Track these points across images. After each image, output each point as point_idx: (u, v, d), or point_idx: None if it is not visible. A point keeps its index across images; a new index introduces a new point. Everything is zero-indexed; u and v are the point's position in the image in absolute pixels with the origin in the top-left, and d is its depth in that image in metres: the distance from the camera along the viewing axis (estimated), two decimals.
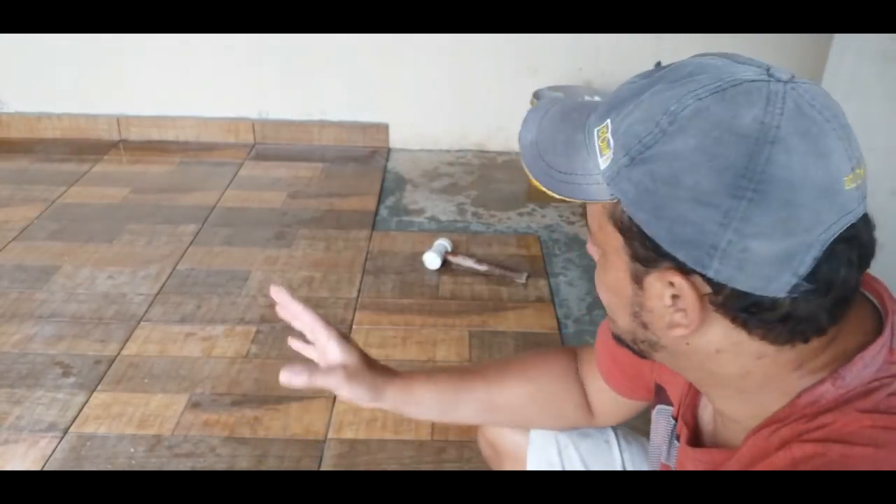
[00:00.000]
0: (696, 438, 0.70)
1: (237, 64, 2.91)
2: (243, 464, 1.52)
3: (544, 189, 0.60)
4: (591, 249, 0.64)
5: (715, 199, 0.50)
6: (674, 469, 0.74)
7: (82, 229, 2.38)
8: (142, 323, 1.94)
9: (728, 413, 0.63)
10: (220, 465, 1.52)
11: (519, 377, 0.92)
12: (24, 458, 1.52)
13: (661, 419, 0.77)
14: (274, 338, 1.89)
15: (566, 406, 0.93)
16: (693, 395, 0.72)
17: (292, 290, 2.08)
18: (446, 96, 2.96)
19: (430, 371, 0.95)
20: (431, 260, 2.19)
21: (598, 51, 2.84)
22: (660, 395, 0.79)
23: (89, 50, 2.87)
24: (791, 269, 0.51)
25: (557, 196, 0.59)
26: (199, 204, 2.56)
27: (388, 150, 3.03)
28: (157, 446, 1.56)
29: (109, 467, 1.51)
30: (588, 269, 2.24)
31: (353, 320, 1.96)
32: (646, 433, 0.85)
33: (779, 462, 0.54)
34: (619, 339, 0.66)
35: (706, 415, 0.70)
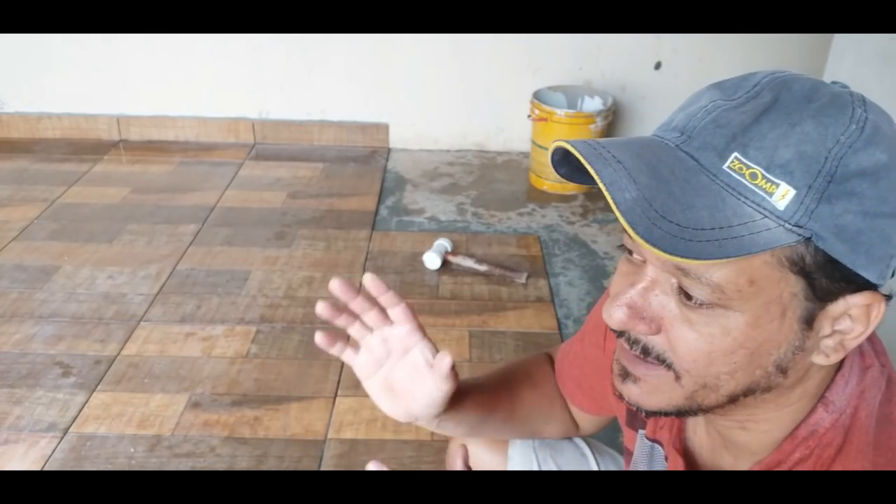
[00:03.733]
0: (690, 465, 0.69)
1: (237, 64, 2.91)
2: (243, 464, 1.52)
3: (678, 259, 0.47)
4: (642, 313, 0.53)
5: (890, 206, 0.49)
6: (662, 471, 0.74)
7: (82, 229, 2.38)
8: (142, 323, 1.94)
9: (746, 442, 0.61)
10: (220, 465, 1.52)
11: (529, 386, 0.90)
12: (24, 458, 1.52)
13: (640, 442, 0.77)
14: (274, 338, 1.89)
15: (566, 412, 0.93)
16: (679, 421, 0.70)
17: (292, 289, 2.09)
18: (446, 96, 2.96)
19: (466, 390, 0.81)
20: (431, 260, 2.19)
21: (598, 51, 2.84)
22: (635, 418, 0.77)
23: (89, 50, 2.87)
24: None
25: (699, 262, 0.47)
26: (199, 204, 2.56)
27: (388, 150, 3.03)
28: (157, 446, 1.56)
29: (109, 467, 1.51)
30: (588, 269, 2.25)
31: None
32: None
33: None
34: (674, 412, 0.57)
35: (697, 437, 0.69)
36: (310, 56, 2.89)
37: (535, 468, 0.94)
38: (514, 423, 0.88)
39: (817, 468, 0.55)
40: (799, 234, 0.48)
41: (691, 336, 0.52)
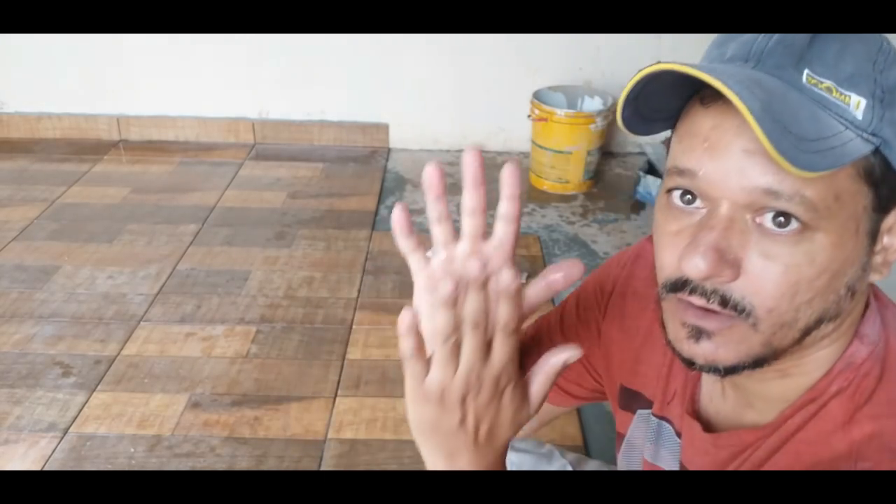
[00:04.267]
0: (709, 428, 0.66)
1: (237, 64, 2.91)
2: (243, 464, 1.52)
3: (798, 171, 0.45)
4: (731, 254, 0.50)
5: None
6: (673, 466, 0.72)
7: (82, 229, 2.38)
8: (142, 323, 1.94)
9: (773, 392, 0.59)
10: (220, 465, 1.52)
11: None
12: (24, 458, 1.52)
13: (642, 422, 0.75)
14: (274, 338, 1.89)
15: None
16: (692, 387, 0.68)
17: (292, 289, 2.09)
18: (446, 96, 2.96)
19: None
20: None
21: (598, 51, 2.84)
22: (633, 400, 0.76)
23: (89, 50, 2.87)
24: None
25: (807, 174, 0.46)
26: (199, 204, 2.56)
27: (388, 150, 3.03)
28: (157, 446, 1.56)
29: (109, 467, 1.51)
30: (588, 269, 2.24)
31: (353, 320, 1.96)
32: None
33: (840, 446, 0.54)
34: (752, 362, 0.53)
35: (714, 404, 0.66)
36: (310, 56, 2.89)
37: None
38: None
39: (856, 399, 0.55)
40: (873, 143, 0.49)
41: (776, 270, 0.50)
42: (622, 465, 0.80)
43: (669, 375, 0.71)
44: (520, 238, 0.61)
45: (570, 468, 0.97)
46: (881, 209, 0.51)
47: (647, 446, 0.74)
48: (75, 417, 1.63)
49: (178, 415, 1.64)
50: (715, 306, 0.52)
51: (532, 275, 2.18)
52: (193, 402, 1.68)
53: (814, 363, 0.57)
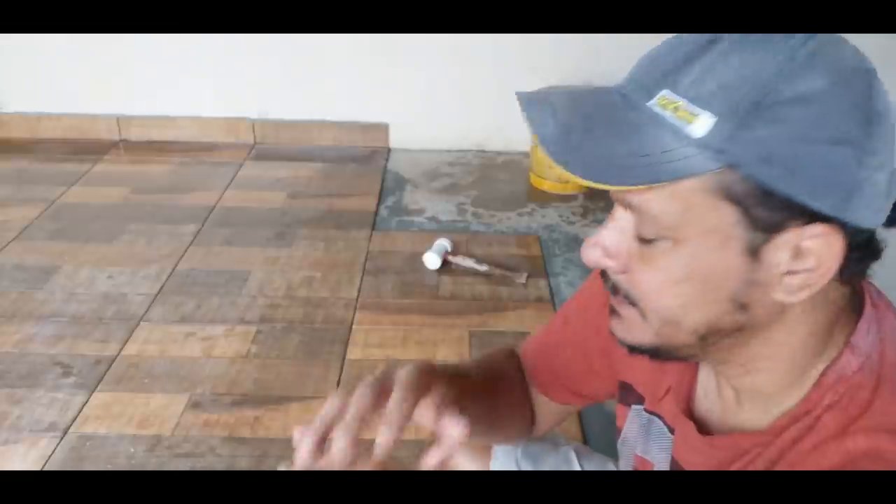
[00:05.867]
0: (702, 428, 0.67)
1: (237, 64, 2.91)
2: (243, 464, 1.52)
3: (593, 183, 0.50)
4: (612, 251, 0.56)
5: (852, 136, 0.49)
6: (664, 462, 0.72)
7: (82, 229, 2.38)
8: (142, 323, 1.94)
9: (762, 388, 0.60)
10: (220, 465, 1.52)
11: (509, 385, 0.90)
12: (24, 458, 1.52)
13: (636, 416, 0.76)
14: (274, 338, 1.89)
15: (528, 411, 0.92)
16: (687, 384, 0.69)
17: (292, 289, 2.09)
18: (446, 96, 2.96)
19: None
20: (431, 260, 2.19)
21: (598, 51, 2.84)
22: (629, 394, 0.77)
23: (89, 50, 2.87)
24: (892, 197, 0.52)
25: (612, 187, 0.51)
26: (199, 204, 2.56)
27: (388, 150, 3.03)
28: (157, 446, 1.56)
29: (109, 467, 1.51)
30: (588, 269, 2.24)
31: (353, 320, 1.96)
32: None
33: (835, 458, 0.54)
34: (649, 350, 0.59)
35: (708, 401, 0.67)
36: (310, 56, 2.89)
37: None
38: (494, 423, 0.88)
39: (850, 411, 0.55)
40: (720, 161, 0.49)
41: (647, 271, 0.55)
42: (619, 460, 0.81)
43: (661, 371, 0.71)
44: (520, 238, 0.67)
45: (573, 454, 0.96)
46: (762, 228, 0.50)
47: (639, 441, 0.74)
48: (75, 417, 1.63)
49: (178, 415, 1.64)
50: (611, 291, 0.59)
51: (532, 275, 2.18)
52: (193, 402, 1.68)
53: (774, 360, 0.58)
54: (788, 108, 0.48)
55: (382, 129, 3.03)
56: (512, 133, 2.98)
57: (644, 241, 0.54)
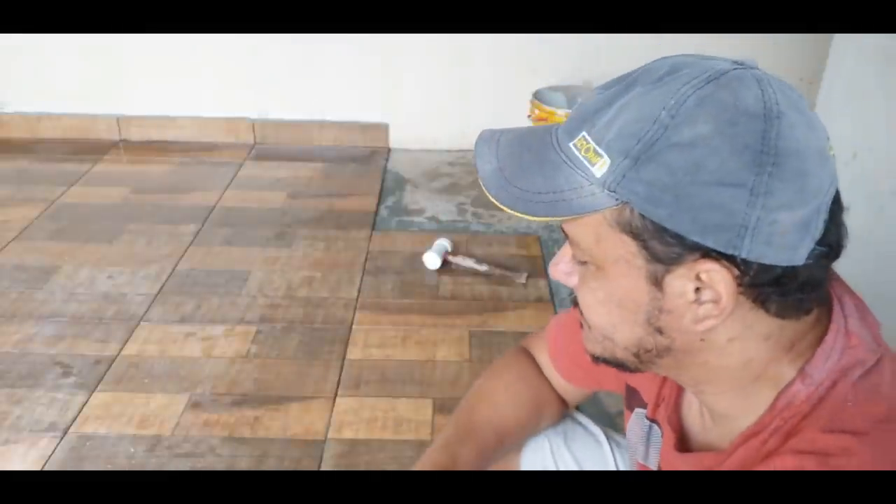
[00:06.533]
0: (682, 442, 0.70)
1: (237, 64, 2.91)
2: (243, 464, 1.52)
3: (521, 214, 0.58)
4: (565, 271, 0.63)
5: (739, 178, 0.51)
6: (656, 466, 0.74)
7: (82, 229, 2.38)
8: (142, 323, 1.94)
9: (720, 409, 0.64)
10: (220, 465, 1.52)
11: (514, 405, 0.91)
12: (24, 458, 1.52)
13: (637, 421, 0.77)
14: (274, 338, 1.89)
15: (553, 406, 0.94)
16: (675, 395, 0.72)
17: (292, 289, 2.09)
18: (446, 96, 2.95)
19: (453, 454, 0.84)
20: (431, 260, 2.19)
21: (598, 51, 2.84)
22: (633, 397, 0.79)
23: (89, 50, 2.87)
24: (810, 235, 0.54)
25: (537, 218, 0.58)
26: (199, 204, 2.56)
27: (389, 150, 3.03)
28: (157, 446, 1.56)
29: (109, 467, 1.51)
30: None
31: (353, 320, 1.96)
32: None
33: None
34: (604, 360, 0.64)
35: (691, 415, 0.70)
36: (310, 56, 2.89)
37: (548, 452, 0.94)
38: (508, 446, 0.91)
39: (788, 436, 0.57)
40: (615, 199, 0.54)
41: (583, 290, 0.62)
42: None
43: (664, 379, 0.73)
44: (520, 238, 0.70)
45: (601, 436, 0.98)
46: (660, 260, 0.55)
47: (640, 447, 0.75)
48: (75, 417, 1.63)
49: (178, 415, 1.64)
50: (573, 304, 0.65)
51: (532, 275, 2.18)
52: (193, 402, 1.68)
53: (719, 384, 0.62)
54: (674, 153, 0.52)
55: (382, 129, 3.03)
56: None
57: (579, 263, 0.61)
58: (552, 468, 0.94)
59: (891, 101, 1.66)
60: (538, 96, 2.70)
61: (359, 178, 2.80)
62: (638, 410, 0.77)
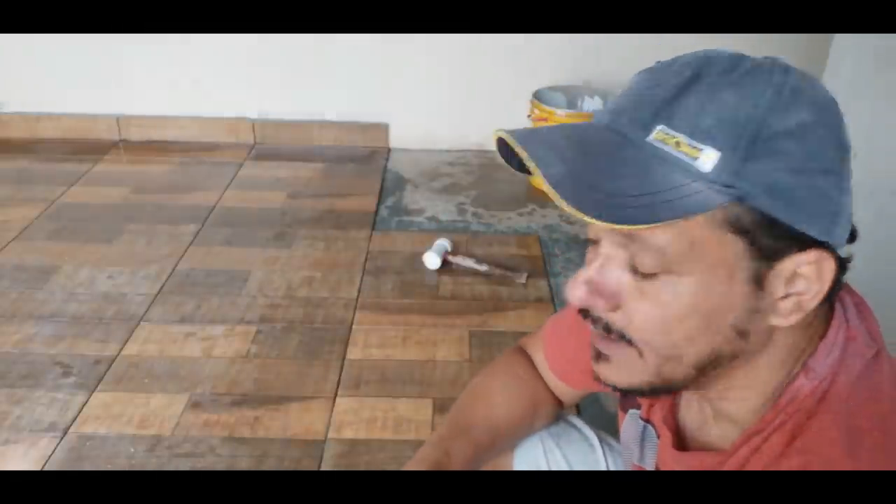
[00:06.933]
0: (680, 441, 0.69)
1: (237, 64, 2.91)
2: (243, 464, 1.52)
3: (606, 223, 0.49)
4: (598, 291, 0.55)
5: (834, 165, 0.52)
6: (652, 468, 0.73)
7: (82, 229, 2.38)
8: (142, 323, 1.94)
9: (730, 410, 0.62)
10: (220, 465, 1.52)
11: (509, 404, 0.91)
12: (24, 458, 1.52)
13: (631, 422, 0.76)
14: (274, 338, 1.89)
15: (547, 407, 0.94)
16: (671, 398, 0.71)
17: (292, 289, 2.09)
18: (446, 96, 2.96)
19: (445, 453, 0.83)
20: (431, 260, 2.19)
21: (598, 51, 2.84)
22: (627, 398, 0.78)
23: (89, 50, 2.87)
24: (850, 222, 0.55)
25: (628, 227, 0.49)
26: (199, 204, 2.56)
27: (389, 150, 3.03)
28: (157, 446, 1.56)
29: (109, 467, 1.51)
30: None
31: (353, 320, 1.96)
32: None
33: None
34: (638, 390, 0.59)
35: (690, 414, 0.69)
36: (310, 56, 2.89)
37: (542, 458, 0.94)
38: (502, 446, 0.91)
39: (794, 432, 0.56)
40: (729, 195, 0.50)
41: (645, 307, 0.54)
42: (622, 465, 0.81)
43: None
44: (520, 238, 0.67)
45: (594, 439, 0.97)
46: (764, 257, 0.52)
47: (635, 448, 0.75)
48: (75, 417, 1.63)
49: (178, 415, 1.64)
50: (602, 331, 0.57)
51: (532, 275, 2.18)
52: (193, 402, 1.68)
53: (750, 390, 0.59)
54: (784, 141, 0.50)
55: (382, 129, 3.03)
56: None
57: (643, 275, 0.54)
58: (544, 469, 0.94)
59: (891, 101, 1.66)
60: (538, 96, 2.70)
61: (359, 178, 2.80)
62: (632, 412, 0.76)
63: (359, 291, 2.09)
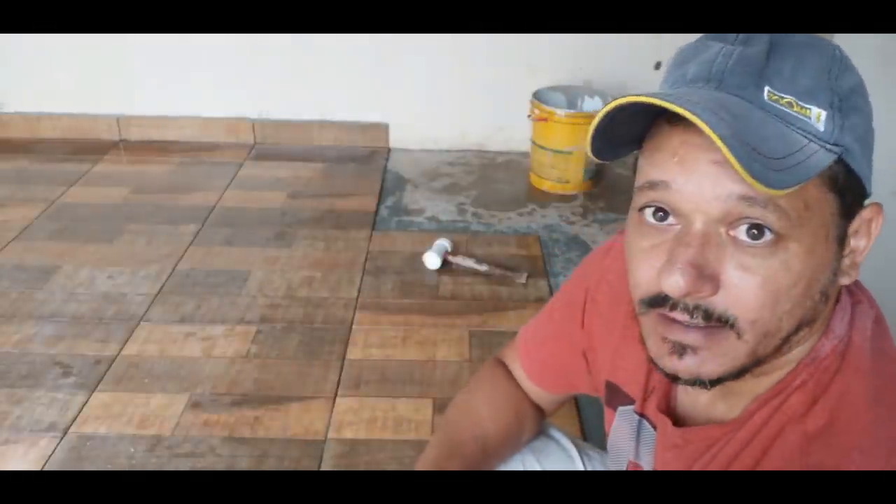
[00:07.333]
0: (680, 424, 0.67)
1: (237, 64, 2.91)
2: (243, 464, 1.52)
3: (766, 189, 0.46)
4: (706, 272, 0.50)
5: (872, 121, 0.55)
6: (649, 464, 0.72)
7: (82, 229, 2.38)
8: (142, 323, 1.94)
9: (749, 388, 0.59)
10: (220, 465, 1.52)
11: (496, 418, 0.90)
12: (24, 458, 1.52)
13: (625, 419, 0.75)
14: (274, 338, 1.89)
15: (531, 419, 0.93)
16: (666, 381, 0.68)
17: (292, 290, 2.09)
18: (446, 96, 2.96)
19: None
20: (431, 260, 2.19)
21: (598, 51, 2.84)
22: (615, 395, 0.76)
23: (89, 50, 2.87)
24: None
25: (777, 191, 0.47)
26: (199, 204, 2.56)
27: (389, 150, 3.03)
28: (157, 446, 1.56)
29: (109, 467, 1.51)
30: None
31: (353, 320, 1.96)
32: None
33: (793, 437, 0.56)
34: (731, 375, 0.54)
35: (688, 397, 0.67)
36: (310, 56, 2.89)
37: (520, 468, 0.93)
38: (493, 461, 0.89)
39: (815, 392, 0.56)
40: (836, 153, 0.51)
41: (754, 282, 0.51)
42: (610, 465, 0.80)
43: (650, 372, 0.71)
44: (520, 238, 0.65)
45: (573, 451, 0.96)
46: (847, 215, 0.54)
47: (631, 445, 0.74)
48: (75, 417, 1.63)
49: (178, 415, 1.64)
50: (699, 321, 0.52)
51: (532, 275, 2.18)
52: (193, 402, 1.68)
53: (785, 362, 0.58)
54: (856, 98, 0.53)
55: (382, 129, 3.03)
56: (512, 133, 2.98)
57: (750, 248, 0.50)
58: None
59: (891, 101, 1.66)
60: (538, 96, 2.70)
61: (359, 178, 2.80)
62: (622, 409, 0.75)
63: (359, 291, 2.09)
